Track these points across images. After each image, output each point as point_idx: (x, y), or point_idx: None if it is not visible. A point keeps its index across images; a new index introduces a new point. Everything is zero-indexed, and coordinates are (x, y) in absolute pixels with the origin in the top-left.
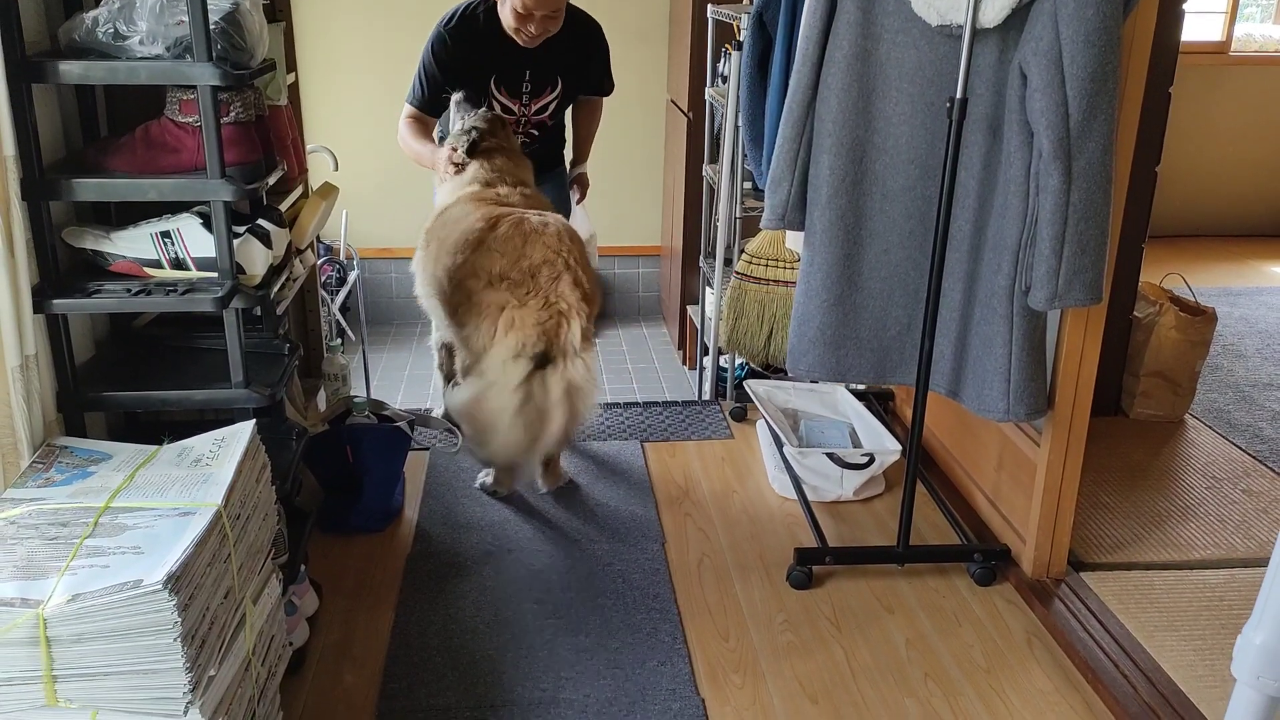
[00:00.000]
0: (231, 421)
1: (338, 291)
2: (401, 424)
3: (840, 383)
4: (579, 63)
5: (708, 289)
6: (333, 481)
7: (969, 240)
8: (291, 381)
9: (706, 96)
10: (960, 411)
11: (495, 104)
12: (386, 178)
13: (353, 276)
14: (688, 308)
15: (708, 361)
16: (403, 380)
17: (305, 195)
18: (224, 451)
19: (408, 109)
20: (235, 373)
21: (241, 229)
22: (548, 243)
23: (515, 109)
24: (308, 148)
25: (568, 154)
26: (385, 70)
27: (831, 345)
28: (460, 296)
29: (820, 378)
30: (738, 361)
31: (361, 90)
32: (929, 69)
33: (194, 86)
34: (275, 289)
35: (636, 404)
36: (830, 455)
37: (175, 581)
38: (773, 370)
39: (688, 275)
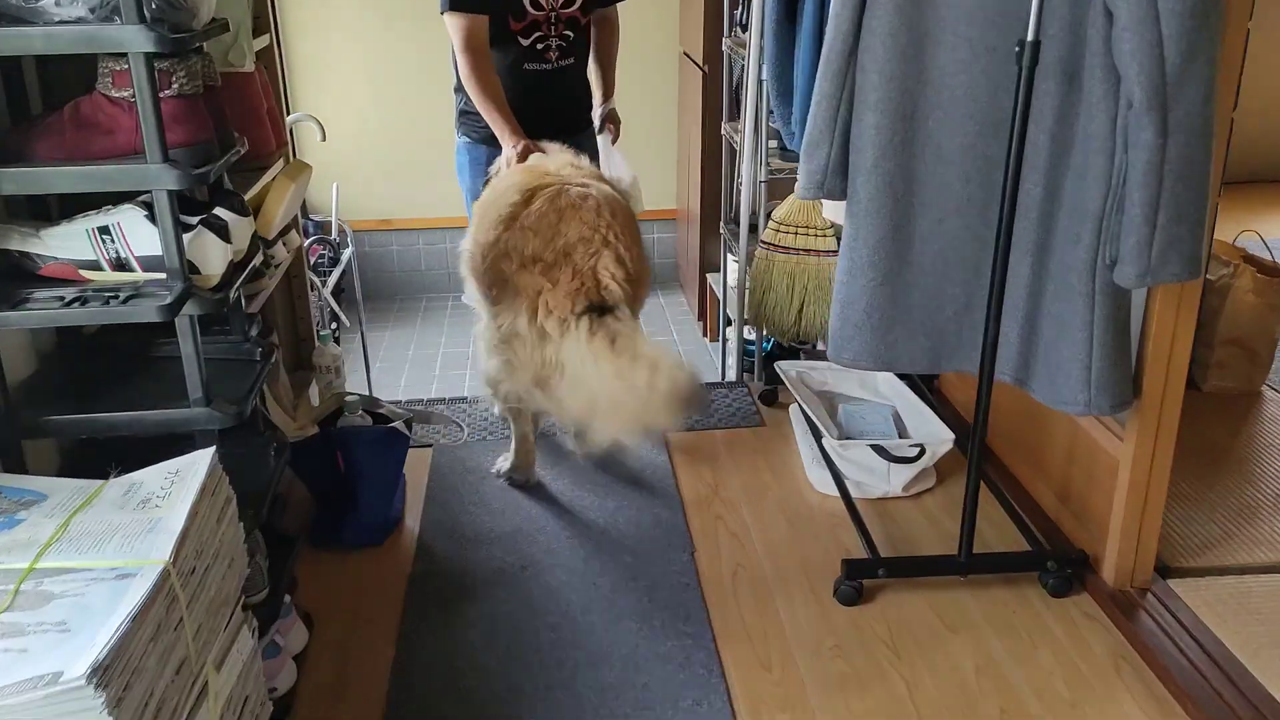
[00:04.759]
0: (193, 445)
1: (330, 273)
2: (398, 423)
3: (889, 371)
4: None
5: (729, 256)
6: (324, 491)
7: (1039, 206)
8: (277, 379)
9: (724, 48)
10: (1017, 394)
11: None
12: (384, 144)
13: (346, 255)
14: (708, 276)
15: (730, 333)
16: (406, 362)
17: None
18: (177, 489)
19: (461, 21)
20: (194, 389)
21: (195, 220)
22: (584, 218)
23: (544, 2)
24: (290, 117)
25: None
26: (378, 28)
27: (880, 330)
28: (494, 276)
29: (867, 366)
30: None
31: (353, 51)
32: (991, 7)
33: (126, 55)
34: (236, 288)
35: None
36: (876, 448)
37: (103, 673)
38: (803, 346)
39: (707, 241)
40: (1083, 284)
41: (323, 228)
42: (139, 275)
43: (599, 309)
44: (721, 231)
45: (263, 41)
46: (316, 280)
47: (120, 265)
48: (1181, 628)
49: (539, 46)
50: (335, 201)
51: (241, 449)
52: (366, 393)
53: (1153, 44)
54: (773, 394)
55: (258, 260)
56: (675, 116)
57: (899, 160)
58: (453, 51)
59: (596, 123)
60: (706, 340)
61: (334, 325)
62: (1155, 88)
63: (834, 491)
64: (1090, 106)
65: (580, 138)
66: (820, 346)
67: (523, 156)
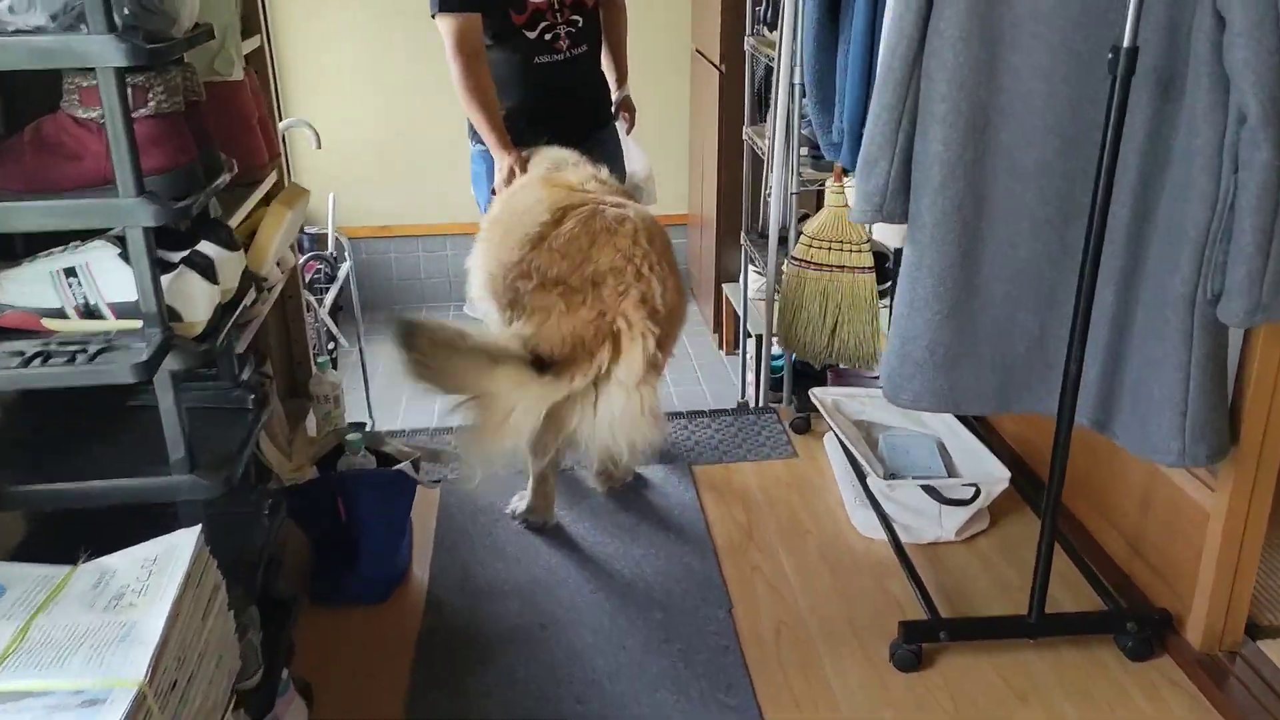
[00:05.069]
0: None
1: (327, 290)
2: (405, 465)
3: (953, 413)
4: None
5: (751, 268)
6: (323, 540)
7: (1126, 229)
8: (273, 405)
9: (746, 47)
10: (1079, 428)
11: None
12: (382, 147)
13: (344, 270)
14: (724, 286)
15: (750, 346)
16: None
17: (281, 183)
18: (155, 582)
19: (453, 22)
20: (175, 454)
21: (177, 257)
22: (619, 245)
23: None
24: (282, 124)
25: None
26: (374, 26)
27: (944, 368)
28: (510, 295)
29: (929, 408)
30: (780, 351)
31: (348, 50)
32: (1075, 7)
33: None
34: (225, 334)
35: (680, 415)
36: (926, 488)
37: None
38: (835, 370)
39: (724, 250)
40: (1179, 319)
41: (319, 242)
42: (111, 324)
43: (542, 364)
44: (743, 242)
45: (252, 44)
46: (313, 300)
47: (89, 313)
48: (1276, 697)
49: (547, 37)
50: (331, 212)
51: (231, 508)
52: (366, 415)
53: (1272, 51)
54: (805, 422)
55: (249, 299)
56: (687, 117)
57: (969, 179)
58: None
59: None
60: (723, 354)
61: (331, 345)
62: (1274, 100)
63: (880, 535)
64: (1193, 120)
65: (603, 134)
66: (844, 367)
67: (520, 170)
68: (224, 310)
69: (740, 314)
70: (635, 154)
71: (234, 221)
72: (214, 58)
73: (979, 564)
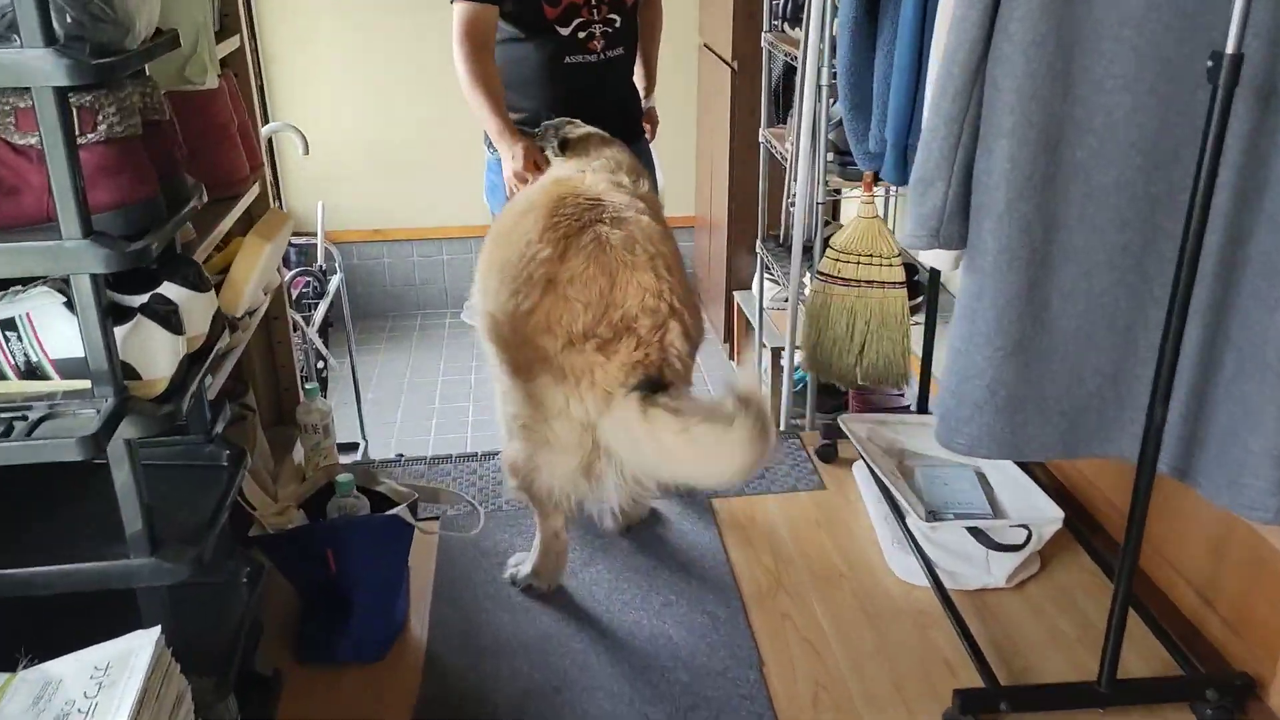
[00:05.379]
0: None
1: (316, 305)
2: (401, 509)
3: (1014, 460)
4: None
5: (766, 278)
6: (312, 592)
7: (1216, 257)
8: (253, 443)
9: (763, 43)
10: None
11: None
12: (374, 148)
13: (335, 283)
14: (735, 294)
15: (765, 358)
16: (401, 392)
17: (264, 196)
18: (106, 698)
19: (467, 10)
20: (134, 534)
21: (135, 303)
22: (643, 280)
23: None
24: (266, 128)
25: None
26: (365, 22)
27: (1005, 410)
28: (529, 353)
29: (987, 454)
30: (794, 366)
31: (339, 48)
32: (1167, 9)
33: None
34: (192, 391)
35: None
36: (973, 530)
37: None
38: (861, 391)
39: (736, 256)
40: None
41: (307, 254)
42: (56, 384)
43: (653, 385)
44: (758, 250)
45: (231, 45)
46: (300, 320)
47: (31, 372)
48: None
49: (580, 35)
50: (320, 222)
51: (201, 582)
52: (359, 435)
53: None
54: (832, 449)
55: (223, 343)
56: (693, 115)
57: (1039, 200)
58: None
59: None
60: (734, 364)
61: (320, 365)
62: None
63: (920, 581)
64: None
65: (635, 146)
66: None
67: (528, 162)
68: (191, 361)
69: (754, 324)
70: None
71: (210, 242)
72: (185, 65)
73: (1030, 613)
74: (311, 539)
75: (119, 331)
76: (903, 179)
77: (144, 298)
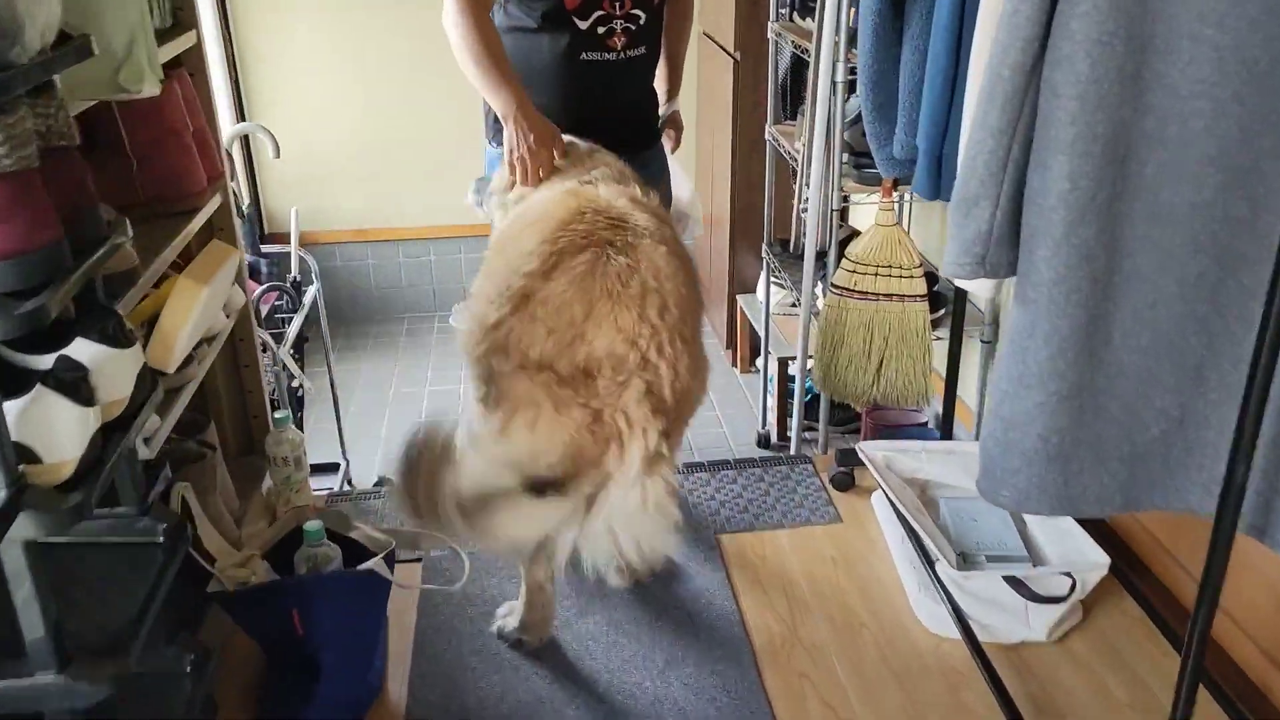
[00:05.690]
0: None
1: (290, 320)
2: (377, 560)
3: (1069, 515)
4: None
5: (773, 283)
6: (277, 655)
7: None
8: (213, 484)
9: (769, 34)
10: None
11: None
12: (357, 144)
13: (311, 294)
14: (738, 298)
15: (771, 367)
16: (386, 405)
17: (227, 210)
18: None
19: None
20: (38, 649)
21: (38, 364)
22: (621, 320)
23: None
24: (234, 129)
25: None
26: (348, 11)
27: (1058, 460)
28: (482, 369)
29: (1037, 509)
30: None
31: (320, 40)
32: (1253, 3)
33: None
34: (108, 471)
35: (700, 467)
36: (1011, 579)
37: None
38: (875, 411)
39: (739, 258)
40: None
41: (280, 265)
42: None
43: (549, 486)
44: (764, 255)
45: (185, 42)
46: (270, 340)
47: None
48: None
49: (600, 30)
50: (294, 229)
51: (134, 678)
52: (340, 455)
53: None
54: (848, 477)
55: (158, 398)
56: (692, 107)
57: (1102, 223)
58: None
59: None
60: (737, 371)
61: (296, 384)
62: None
63: (951, 632)
64: None
65: (649, 154)
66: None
67: (546, 147)
68: (111, 430)
69: (759, 331)
70: (679, 178)
71: (157, 268)
72: (117, 69)
73: (1073, 669)
74: (275, 597)
75: (11, 407)
76: (935, 192)
77: (48, 360)
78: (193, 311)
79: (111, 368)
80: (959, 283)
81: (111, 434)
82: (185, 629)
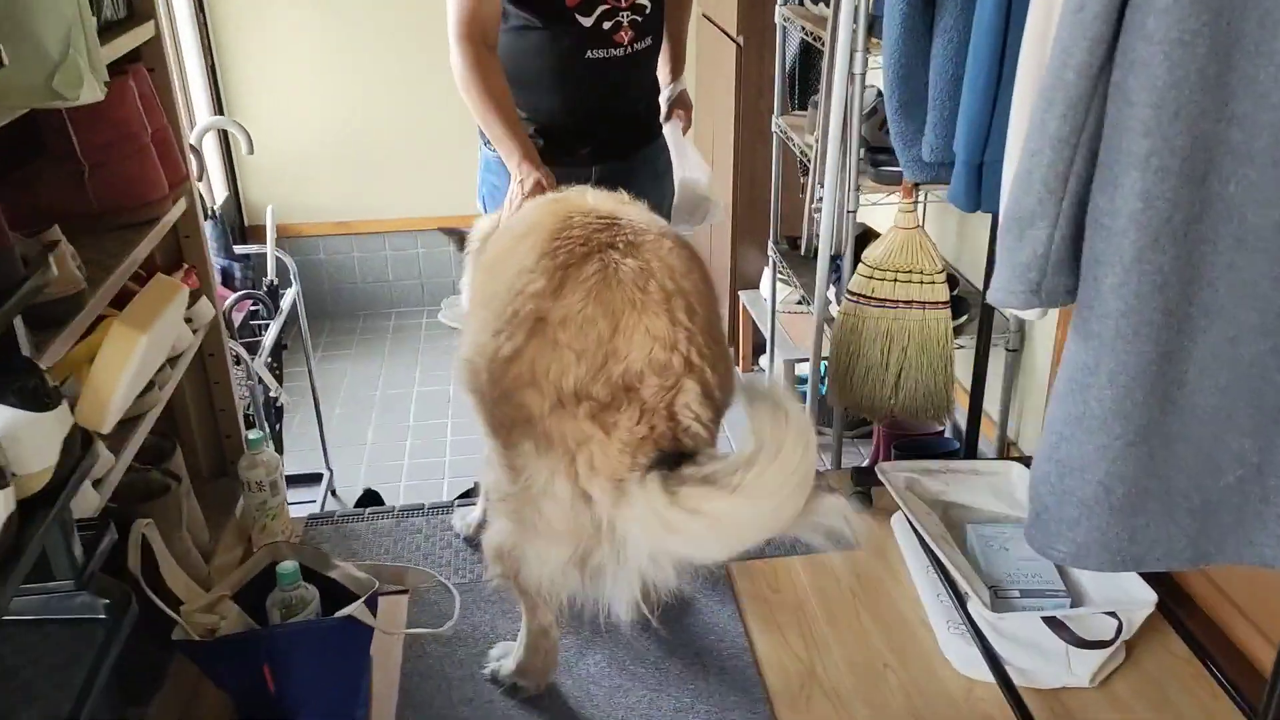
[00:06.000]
0: None
1: (267, 327)
2: (358, 605)
3: (1133, 571)
4: None
5: (778, 281)
6: (248, 710)
7: None
8: (179, 518)
9: (776, 18)
10: None
11: None
12: (342, 134)
13: (290, 297)
14: (740, 294)
15: (778, 369)
16: (373, 407)
17: (193, 216)
18: None
19: (461, 9)
20: None
21: None
22: (653, 325)
23: None
24: (204, 124)
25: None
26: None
27: (1123, 511)
28: (510, 411)
29: (1097, 566)
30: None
31: (301, 30)
32: None
33: None
34: (25, 555)
35: None
36: (1050, 620)
37: None
38: (895, 424)
39: (741, 252)
40: None
41: (254, 270)
42: None
43: (672, 459)
44: (770, 253)
45: (143, 34)
46: (244, 353)
47: None
48: None
49: (605, 26)
50: (271, 229)
51: None
52: (323, 465)
53: None
54: (865, 497)
55: (93, 465)
56: (692, 96)
57: (1179, 249)
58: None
59: (663, 109)
60: (738, 370)
61: (274, 397)
62: None
63: (984, 674)
64: None
65: (652, 150)
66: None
67: (534, 194)
68: (32, 508)
69: (764, 330)
70: (693, 160)
71: (109, 288)
72: (50, 75)
73: (1117, 713)
74: (244, 650)
75: None
76: (976, 204)
77: None
78: (129, 362)
79: (28, 435)
80: (1011, 312)
81: (35, 511)
82: (139, 701)
